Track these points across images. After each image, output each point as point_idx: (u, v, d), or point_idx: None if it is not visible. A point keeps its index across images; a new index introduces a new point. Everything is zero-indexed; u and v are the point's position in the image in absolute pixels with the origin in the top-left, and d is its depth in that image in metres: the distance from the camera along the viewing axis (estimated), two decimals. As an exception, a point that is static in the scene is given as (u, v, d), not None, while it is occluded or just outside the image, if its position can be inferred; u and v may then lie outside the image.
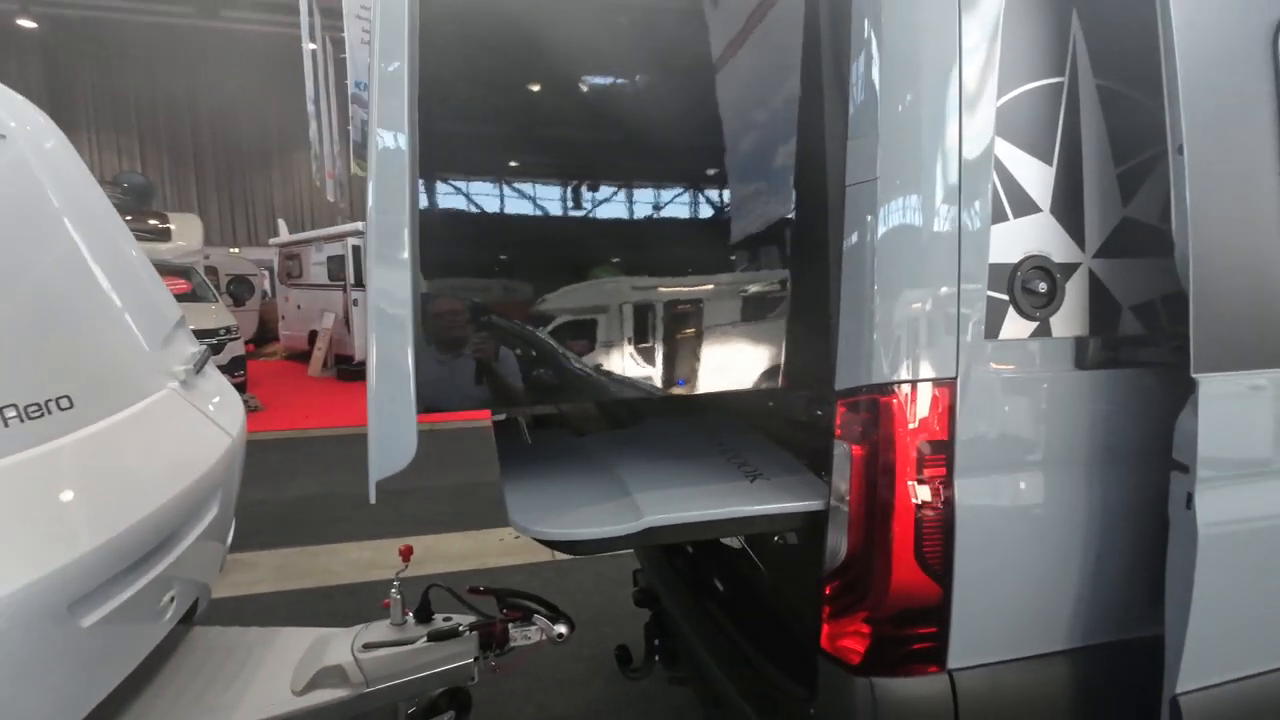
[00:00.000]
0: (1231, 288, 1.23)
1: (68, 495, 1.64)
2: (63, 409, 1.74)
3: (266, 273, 17.18)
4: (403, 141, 1.16)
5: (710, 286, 1.44)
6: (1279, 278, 1.27)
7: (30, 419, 1.63)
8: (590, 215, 1.37)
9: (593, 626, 3.29)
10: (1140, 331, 1.37)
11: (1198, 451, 1.22)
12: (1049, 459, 1.33)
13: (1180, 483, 1.26)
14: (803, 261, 1.42)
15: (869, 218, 1.25)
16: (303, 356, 12.77)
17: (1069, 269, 1.33)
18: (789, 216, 1.43)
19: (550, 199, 1.35)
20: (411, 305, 1.16)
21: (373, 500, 1.21)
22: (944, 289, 1.24)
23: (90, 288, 2.12)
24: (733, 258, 1.46)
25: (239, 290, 15.16)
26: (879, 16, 1.23)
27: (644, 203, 1.43)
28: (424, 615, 2.31)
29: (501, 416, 2.05)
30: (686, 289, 1.44)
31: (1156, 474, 1.31)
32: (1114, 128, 1.34)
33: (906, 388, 1.25)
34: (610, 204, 1.39)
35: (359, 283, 11.67)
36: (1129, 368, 1.35)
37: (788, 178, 1.40)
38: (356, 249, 11.62)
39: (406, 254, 1.15)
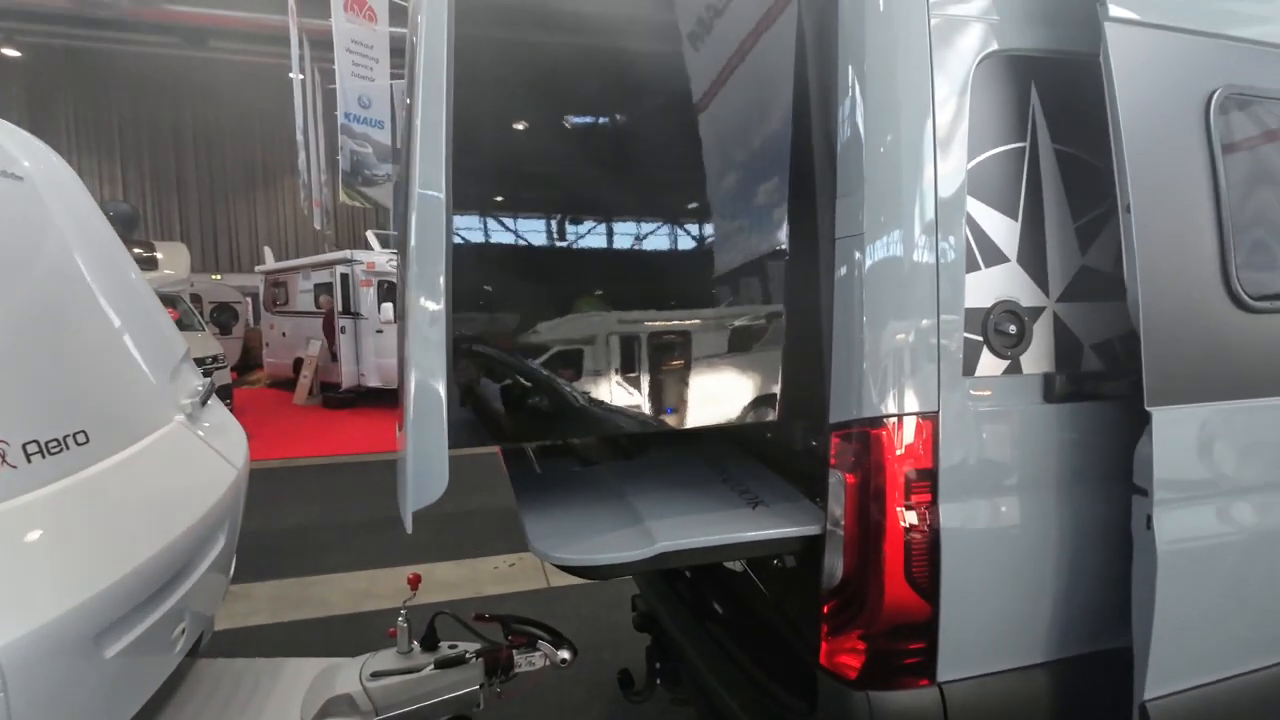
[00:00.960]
0: (1177, 328, 1.38)
1: (91, 527, 1.69)
2: (80, 444, 1.79)
3: (249, 300, 17.09)
4: (441, 181, 1.24)
5: (712, 320, 1.56)
6: (1218, 320, 1.42)
7: (50, 454, 1.69)
8: (612, 252, 1.49)
9: (593, 651, 3.33)
10: (1101, 368, 1.52)
11: (1154, 476, 1.35)
12: (1023, 484, 1.46)
13: (1140, 505, 1.39)
14: (795, 299, 1.55)
15: (857, 269, 1.38)
16: (287, 384, 12.68)
17: (1035, 312, 1.48)
18: (783, 253, 1.55)
19: (573, 238, 1.47)
20: (447, 341, 1.25)
21: (409, 530, 1.30)
22: (926, 332, 1.38)
23: (104, 324, 2.18)
24: (733, 292, 1.58)
25: (224, 318, 15.07)
26: (862, 72, 1.38)
27: (658, 239, 1.55)
28: (430, 643, 2.35)
29: (508, 447, 2.14)
30: (692, 323, 1.56)
31: (1120, 497, 1.44)
32: (1071, 187, 1.50)
33: (894, 420, 1.37)
34: (629, 241, 1.51)
35: (347, 310, 11.67)
36: (1092, 401, 1.49)
37: (783, 218, 1.53)
38: (345, 276, 11.65)
39: (443, 291, 1.24)
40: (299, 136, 13.15)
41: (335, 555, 4.74)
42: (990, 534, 1.44)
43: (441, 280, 1.23)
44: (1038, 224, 1.48)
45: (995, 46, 1.44)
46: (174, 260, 10.78)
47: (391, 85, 12.40)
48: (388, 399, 11.30)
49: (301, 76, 13.21)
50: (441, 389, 1.24)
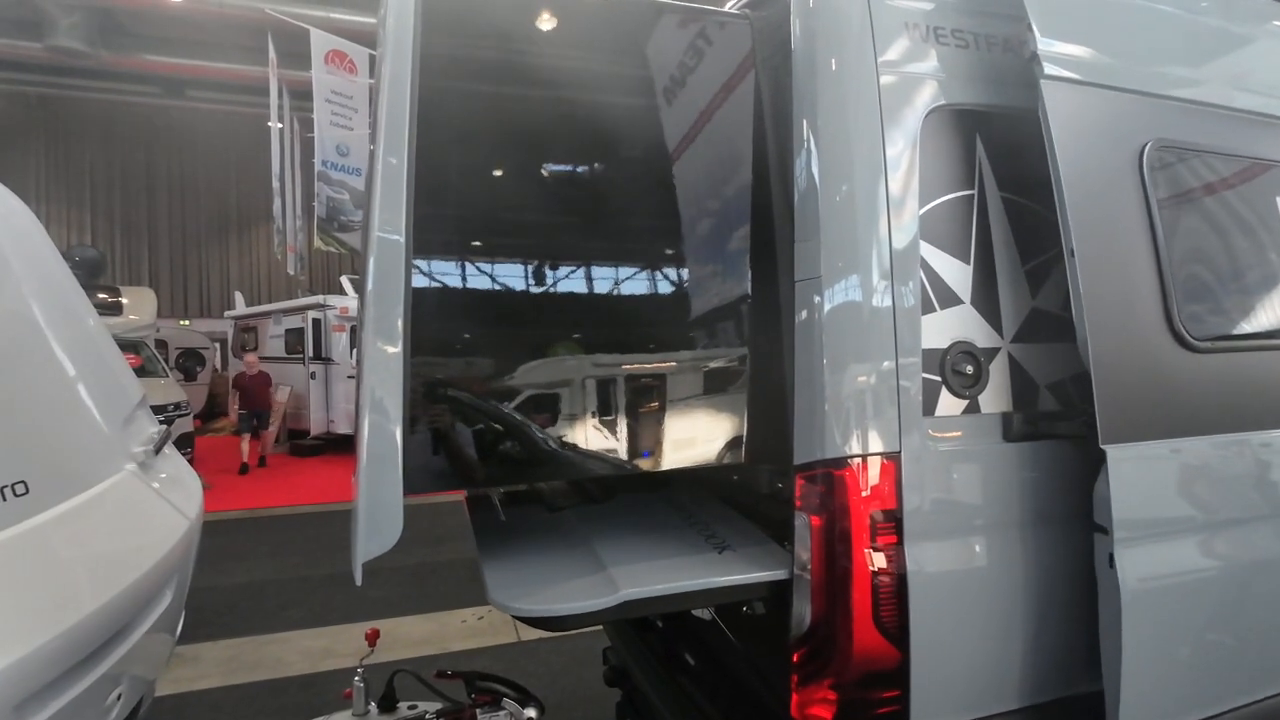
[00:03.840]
0: (1126, 368, 1.42)
1: (21, 585, 1.59)
2: (18, 495, 1.70)
3: (218, 345, 16.76)
4: (401, 224, 1.23)
5: (680, 364, 1.56)
6: (1164, 360, 1.47)
7: (-16, 507, 1.60)
8: (567, 296, 1.49)
9: (562, 710, 3.19)
10: (1057, 407, 1.55)
11: (1113, 515, 1.37)
12: (988, 524, 1.46)
13: (1102, 544, 1.40)
14: (759, 342, 1.56)
15: (816, 312, 1.41)
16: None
17: (991, 353, 1.51)
18: (747, 298, 1.56)
19: (534, 281, 1.47)
20: (402, 384, 1.22)
21: (359, 582, 1.24)
22: (886, 373, 1.40)
23: (54, 370, 2.11)
24: (699, 337, 1.59)
25: (189, 364, 14.70)
26: (816, 127, 1.44)
27: (619, 283, 1.56)
28: (388, 704, 2.23)
29: (474, 493, 2.09)
30: (659, 367, 1.56)
31: (1084, 536, 1.45)
32: (1019, 232, 1.56)
33: (858, 460, 1.37)
34: (586, 284, 1.52)
35: (318, 356, 11.50)
36: (1051, 439, 1.51)
37: (746, 264, 1.56)
38: (317, 322, 11.53)
39: (400, 334, 1.23)
40: (275, 183, 13.17)
41: (294, 612, 4.52)
42: (958, 576, 1.43)
43: (400, 323, 1.22)
44: (989, 267, 1.53)
45: (943, 101, 1.51)
46: (139, 305, 10.58)
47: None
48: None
49: (280, 125, 13.32)
50: (397, 433, 1.21)
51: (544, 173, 1.52)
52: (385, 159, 1.23)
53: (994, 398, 1.49)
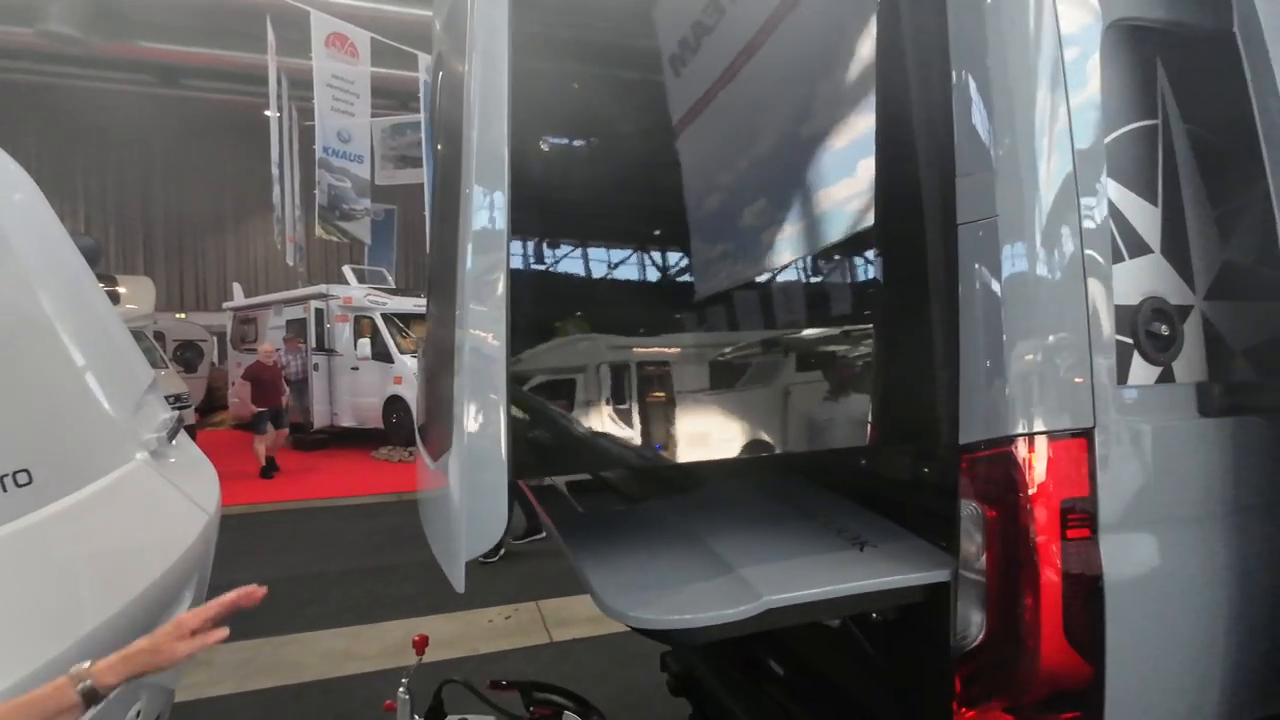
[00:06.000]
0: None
1: (28, 588, 1.39)
2: (20, 485, 1.50)
3: (215, 338, 16.49)
4: (500, 203, 1.06)
5: (797, 340, 1.35)
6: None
7: (-21, 497, 1.39)
8: (676, 271, 1.31)
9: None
10: (1256, 377, 1.31)
11: None
12: (1186, 515, 1.22)
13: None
14: (891, 309, 1.33)
15: (989, 260, 1.16)
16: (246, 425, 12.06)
17: (1184, 311, 1.27)
18: (872, 266, 1.35)
19: (637, 262, 1.30)
20: (505, 368, 1.02)
21: (461, 588, 1.01)
22: (1075, 333, 1.16)
23: (55, 350, 1.90)
24: (814, 310, 1.38)
25: (188, 356, 14.45)
26: (983, 53, 1.19)
27: (728, 258, 1.35)
28: (436, 717, 2.01)
29: (535, 482, 1.85)
30: (784, 341, 1.34)
31: None
32: (1205, 171, 1.32)
33: (1044, 439, 1.13)
34: (689, 260, 1.33)
35: (321, 347, 11.21)
36: (1252, 414, 1.28)
37: (867, 222, 1.33)
38: (319, 312, 11.25)
39: (502, 320, 1.04)
40: (274, 170, 12.85)
41: (310, 611, 4.27)
42: (1156, 574, 1.19)
43: (502, 309, 1.05)
44: (1178, 211, 1.29)
45: (1124, 12, 1.27)
46: (138, 295, 10.29)
47: (372, 122, 12.24)
48: (361, 440, 10.78)
49: (278, 114, 12.99)
50: (501, 419, 1.00)
51: (647, 143, 1.33)
52: (481, 143, 1.04)
53: (1188, 365, 1.26)
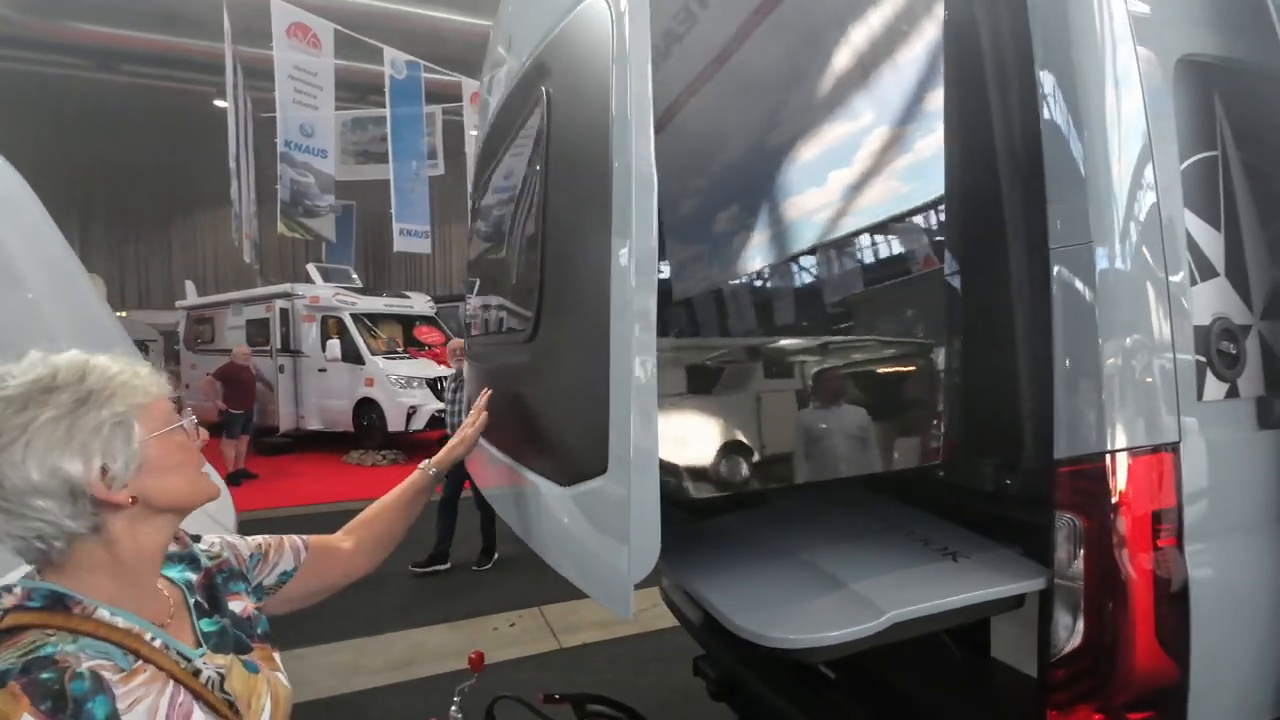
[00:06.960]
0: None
1: None
2: None
3: (163, 338, 15.71)
4: (653, 212, 1.04)
5: (875, 353, 1.37)
6: None
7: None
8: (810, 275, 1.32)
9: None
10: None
11: None
12: (1254, 522, 1.32)
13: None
14: (974, 320, 1.38)
15: (1085, 282, 1.23)
16: (211, 429, 11.54)
17: (1245, 330, 1.36)
18: (951, 278, 1.39)
19: (786, 260, 1.30)
20: (656, 391, 1.02)
21: (631, 614, 1.00)
22: (1162, 351, 1.23)
23: (52, 345, 1.87)
24: (885, 319, 1.41)
25: (136, 358, 13.69)
26: (1073, 95, 1.25)
27: (812, 261, 1.36)
28: (490, 736, 1.98)
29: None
30: (856, 353, 1.36)
31: None
32: (1258, 196, 1.42)
33: (1136, 453, 1.20)
34: (816, 266, 1.34)
35: (286, 348, 10.81)
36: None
37: (945, 232, 1.37)
38: (285, 312, 10.84)
39: (653, 323, 1.01)
40: (231, 164, 12.28)
41: (310, 624, 4.13)
42: (1231, 579, 1.28)
43: (652, 312, 1.02)
44: (1237, 235, 1.38)
45: (1190, 49, 1.35)
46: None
47: (337, 115, 11.83)
48: (330, 443, 10.45)
49: (230, 105, 12.42)
50: (658, 443, 1.00)
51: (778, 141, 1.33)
52: (637, 161, 1.02)
53: (1250, 381, 1.35)
